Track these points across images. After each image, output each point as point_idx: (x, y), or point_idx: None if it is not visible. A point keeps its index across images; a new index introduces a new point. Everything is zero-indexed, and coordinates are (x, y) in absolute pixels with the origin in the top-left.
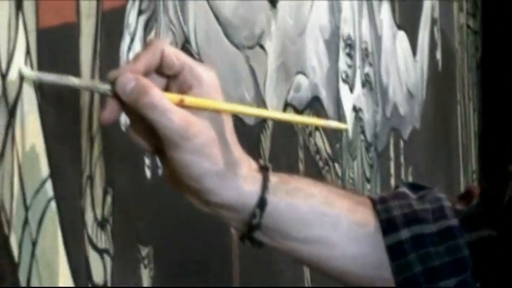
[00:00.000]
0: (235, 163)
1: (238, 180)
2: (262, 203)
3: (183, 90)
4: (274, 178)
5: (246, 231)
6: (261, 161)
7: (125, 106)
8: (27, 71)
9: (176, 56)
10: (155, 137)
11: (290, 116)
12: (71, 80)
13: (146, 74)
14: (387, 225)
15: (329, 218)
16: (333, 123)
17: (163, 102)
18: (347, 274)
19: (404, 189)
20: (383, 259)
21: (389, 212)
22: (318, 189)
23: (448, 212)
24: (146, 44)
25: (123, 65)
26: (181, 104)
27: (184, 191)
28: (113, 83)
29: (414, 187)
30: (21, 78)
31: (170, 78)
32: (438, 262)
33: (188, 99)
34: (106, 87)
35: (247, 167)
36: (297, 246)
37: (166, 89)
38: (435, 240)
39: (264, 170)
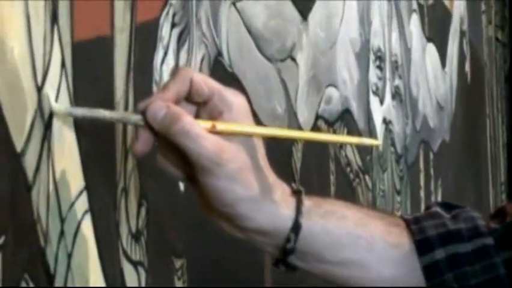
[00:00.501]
0: (269, 188)
1: (271, 205)
2: (296, 227)
3: (213, 116)
4: (307, 202)
5: (281, 256)
6: (294, 185)
7: (157, 135)
8: (58, 107)
9: (205, 83)
10: (187, 164)
11: (322, 136)
12: (102, 113)
13: (176, 102)
14: (422, 246)
15: (363, 240)
16: (366, 141)
17: (194, 129)
18: None
19: (436, 209)
20: (418, 279)
21: (423, 232)
22: (351, 212)
23: (482, 230)
24: (173, 72)
25: (153, 95)
26: (212, 130)
27: (217, 217)
28: (144, 112)
29: (446, 206)
30: (58, 90)
31: (200, 105)
32: (474, 281)
33: (220, 125)
34: (137, 117)
35: (281, 191)
36: (331, 269)
37: (197, 116)
38: (471, 259)
39: (297, 193)
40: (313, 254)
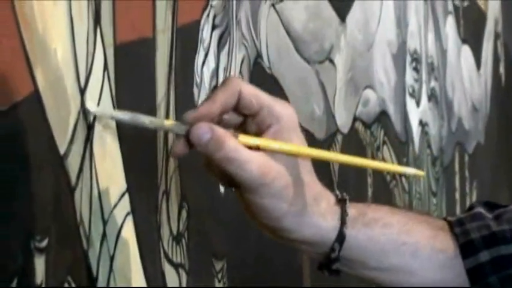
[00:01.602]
0: (314, 200)
1: (316, 217)
2: (341, 237)
3: (261, 129)
4: (352, 211)
5: (325, 263)
6: (338, 193)
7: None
8: (101, 110)
9: (254, 96)
10: (231, 178)
11: (366, 162)
12: (144, 119)
13: (223, 113)
14: (467, 249)
15: (408, 246)
16: (411, 171)
17: (239, 155)
18: None
19: (479, 209)
20: (464, 283)
21: (467, 235)
22: (396, 218)
23: None
24: (223, 82)
25: (200, 105)
26: (257, 149)
27: (262, 227)
28: (188, 125)
29: (489, 205)
30: (100, 91)
31: (248, 116)
32: None
33: (265, 145)
34: (180, 128)
35: (326, 202)
36: (376, 275)
37: (244, 126)
38: None
39: (341, 202)
40: (357, 262)
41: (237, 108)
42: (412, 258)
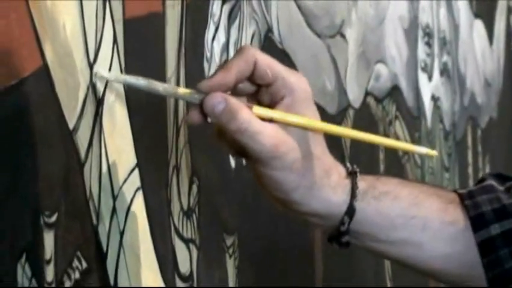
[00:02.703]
0: (325, 174)
1: (327, 190)
2: (351, 211)
3: (275, 99)
4: (362, 183)
5: (334, 235)
6: (349, 166)
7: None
8: (114, 74)
9: (270, 67)
10: (242, 148)
11: (381, 140)
12: (158, 86)
13: (237, 83)
14: (477, 222)
15: (418, 220)
16: (423, 149)
17: (252, 126)
18: (438, 272)
19: (491, 182)
20: (474, 256)
21: (478, 207)
22: (406, 191)
23: None
24: (238, 51)
25: (215, 73)
26: (270, 121)
27: (272, 198)
28: (202, 92)
29: (501, 177)
30: (110, 66)
31: (262, 85)
32: None
33: (279, 117)
34: (195, 97)
35: (336, 175)
36: (385, 248)
37: (258, 96)
38: None
39: (352, 175)
40: (367, 234)
41: (252, 77)
42: (421, 232)
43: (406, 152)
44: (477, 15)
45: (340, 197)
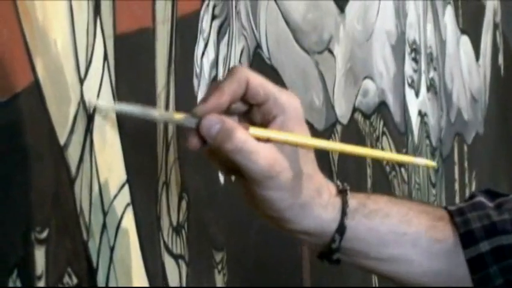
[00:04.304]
0: (316, 193)
1: (318, 209)
2: (342, 228)
3: (267, 119)
4: (353, 202)
5: (325, 253)
6: (339, 184)
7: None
8: (104, 104)
9: (261, 86)
10: (235, 167)
11: (377, 153)
12: (154, 112)
13: (231, 103)
14: (467, 239)
15: (408, 236)
16: (421, 161)
17: (247, 146)
18: None
19: (480, 198)
20: (464, 273)
21: (467, 224)
22: (396, 208)
23: None
24: (230, 72)
25: (209, 96)
26: (266, 140)
27: (263, 216)
28: (197, 116)
29: (490, 194)
30: (100, 82)
31: (254, 105)
32: None
33: (275, 137)
34: (191, 121)
35: (327, 193)
36: (376, 265)
37: (250, 114)
38: None
39: (342, 193)
40: (357, 252)
41: (244, 97)
42: (412, 249)
43: (394, 165)
44: (463, 31)
45: (331, 215)
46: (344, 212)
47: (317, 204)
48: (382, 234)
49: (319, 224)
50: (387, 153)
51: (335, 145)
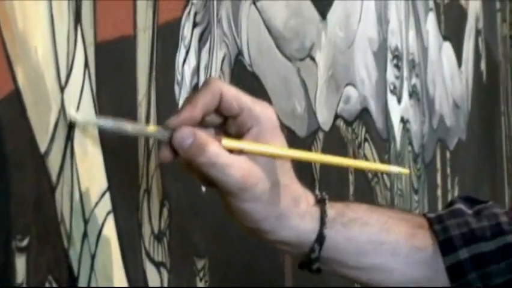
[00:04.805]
0: (293, 203)
1: (296, 219)
2: (320, 238)
3: (242, 130)
4: (331, 211)
5: (306, 262)
6: (318, 193)
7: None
8: (81, 117)
9: (235, 98)
10: (210, 178)
11: (351, 162)
12: (127, 126)
13: (204, 116)
14: (446, 246)
15: (387, 245)
16: (395, 169)
17: (220, 160)
18: None
19: (459, 205)
20: (443, 281)
21: (446, 232)
22: (375, 217)
23: (505, 227)
24: (203, 84)
25: (182, 109)
26: (240, 152)
27: (241, 226)
28: (170, 128)
29: (469, 201)
30: (81, 90)
31: (228, 117)
32: (499, 280)
33: (249, 148)
34: (163, 134)
35: (305, 203)
36: (356, 274)
37: (225, 126)
38: (495, 258)
39: (321, 203)
40: (337, 261)
41: (218, 109)
42: (391, 257)
43: (378, 173)
44: (446, 37)
45: (309, 225)
46: (322, 222)
47: (294, 214)
48: (361, 243)
49: (297, 234)
50: (363, 163)
51: (308, 155)
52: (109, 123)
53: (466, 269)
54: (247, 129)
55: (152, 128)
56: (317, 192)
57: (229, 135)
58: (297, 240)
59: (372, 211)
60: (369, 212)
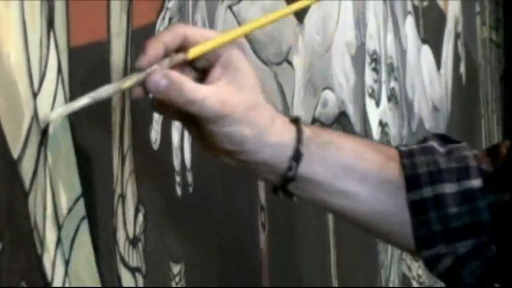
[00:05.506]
0: (271, 120)
1: (274, 135)
2: (297, 155)
3: (211, 62)
4: (307, 130)
5: (281, 184)
6: (291, 115)
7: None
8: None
9: (200, 34)
10: (185, 114)
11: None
12: (102, 92)
13: (168, 51)
14: (411, 182)
15: (359, 172)
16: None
17: (198, 95)
18: (372, 228)
19: (432, 143)
20: (406, 216)
21: (414, 168)
22: (349, 143)
23: (472, 172)
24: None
25: (146, 49)
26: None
27: (221, 154)
28: (143, 70)
29: (443, 139)
30: (54, 96)
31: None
32: (457, 223)
33: (214, 45)
34: (138, 79)
35: (281, 121)
36: (327, 198)
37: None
38: (457, 201)
39: (296, 122)
40: (310, 182)
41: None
42: (361, 185)
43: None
44: (424, 40)
45: (286, 141)
46: (299, 139)
47: (273, 131)
48: (334, 166)
49: (276, 151)
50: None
51: (255, 23)
52: (83, 100)
53: (428, 207)
54: (215, 58)
55: (127, 83)
56: (290, 114)
57: (197, 69)
58: (275, 159)
59: (347, 137)
60: (344, 137)
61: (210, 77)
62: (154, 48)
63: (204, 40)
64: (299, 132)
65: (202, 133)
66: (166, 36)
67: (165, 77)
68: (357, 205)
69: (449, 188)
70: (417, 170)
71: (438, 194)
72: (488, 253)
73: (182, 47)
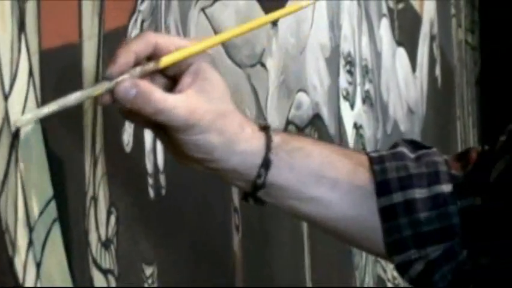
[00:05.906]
0: (239, 128)
1: (243, 143)
2: (266, 163)
3: (182, 70)
4: (276, 137)
5: (251, 191)
6: (261, 121)
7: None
8: (24, 118)
9: (171, 43)
10: (154, 122)
11: (266, 18)
12: (71, 99)
13: (138, 60)
14: (381, 188)
15: (328, 179)
16: (305, 3)
17: (167, 105)
18: (342, 233)
19: (402, 149)
20: (376, 222)
21: (384, 173)
22: (318, 149)
23: (442, 177)
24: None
25: (116, 58)
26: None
27: (190, 161)
28: (113, 79)
29: (413, 145)
30: (25, 99)
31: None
32: (427, 228)
33: (185, 54)
34: (108, 87)
35: (250, 128)
36: (296, 205)
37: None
38: (427, 205)
39: (265, 129)
40: (279, 189)
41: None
42: (331, 191)
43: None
44: (400, 43)
45: (255, 148)
46: (268, 147)
47: (241, 139)
48: (303, 174)
49: (244, 159)
50: (276, 13)
51: (234, 31)
52: (52, 106)
53: (398, 212)
54: (186, 66)
55: (98, 89)
56: (260, 121)
57: (167, 76)
58: (244, 166)
59: (316, 144)
60: (313, 144)
61: (180, 84)
62: (125, 56)
63: (175, 49)
64: (268, 140)
65: (172, 141)
66: (137, 45)
67: (134, 87)
68: (328, 211)
69: (419, 193)
70: (387, 175)
71: (409, 199)
72: (459, 257)
73: (153, 55)
